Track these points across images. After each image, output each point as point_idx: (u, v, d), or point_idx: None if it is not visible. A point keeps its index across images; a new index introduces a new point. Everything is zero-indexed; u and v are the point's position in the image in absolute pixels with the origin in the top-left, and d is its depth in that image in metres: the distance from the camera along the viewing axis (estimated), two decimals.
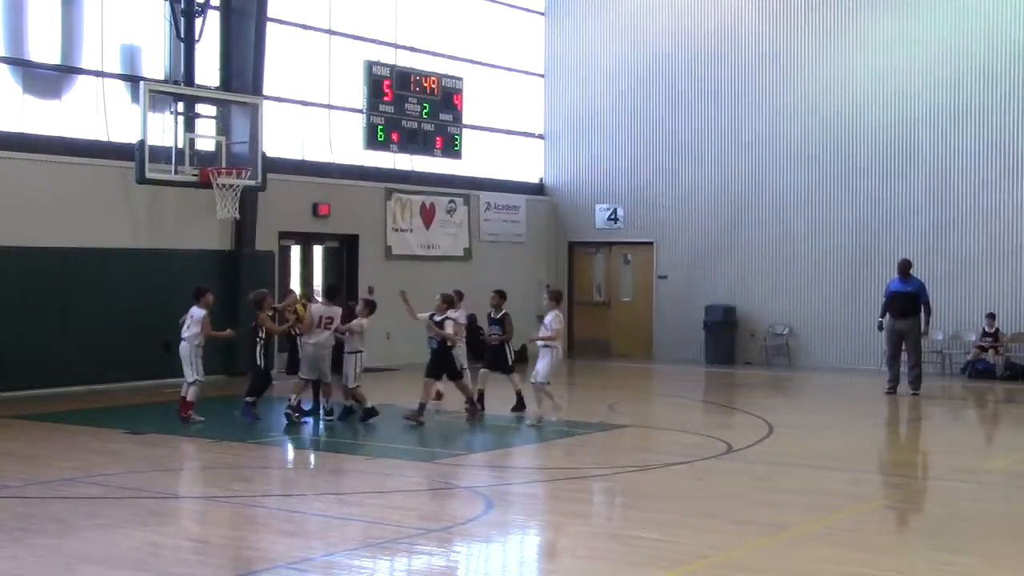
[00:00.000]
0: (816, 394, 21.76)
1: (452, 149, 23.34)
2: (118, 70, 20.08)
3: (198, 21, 19.99)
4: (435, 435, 15.29)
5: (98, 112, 19.72)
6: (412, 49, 24.96)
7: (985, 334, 22.91)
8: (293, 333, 16.41)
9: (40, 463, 12.62)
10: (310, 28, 23.19)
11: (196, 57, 20.03)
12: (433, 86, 22.85)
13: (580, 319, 27.75)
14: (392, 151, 22.82)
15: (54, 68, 19.36)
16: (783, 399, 21.11)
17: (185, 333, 15.58)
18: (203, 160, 19.47)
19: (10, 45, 18.89)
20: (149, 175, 18.54)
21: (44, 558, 8.67)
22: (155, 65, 20.57)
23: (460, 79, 23.63)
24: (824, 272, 24.91)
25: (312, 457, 14.30)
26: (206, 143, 19.92)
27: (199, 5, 20.03)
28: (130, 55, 20.36)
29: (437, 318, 16.02)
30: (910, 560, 9.10)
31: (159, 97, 19.19)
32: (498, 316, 16.62)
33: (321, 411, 16.15)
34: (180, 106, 19.48)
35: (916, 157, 24.00)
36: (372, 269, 23.56)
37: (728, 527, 9.96)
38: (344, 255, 23.76)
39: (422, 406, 15.71)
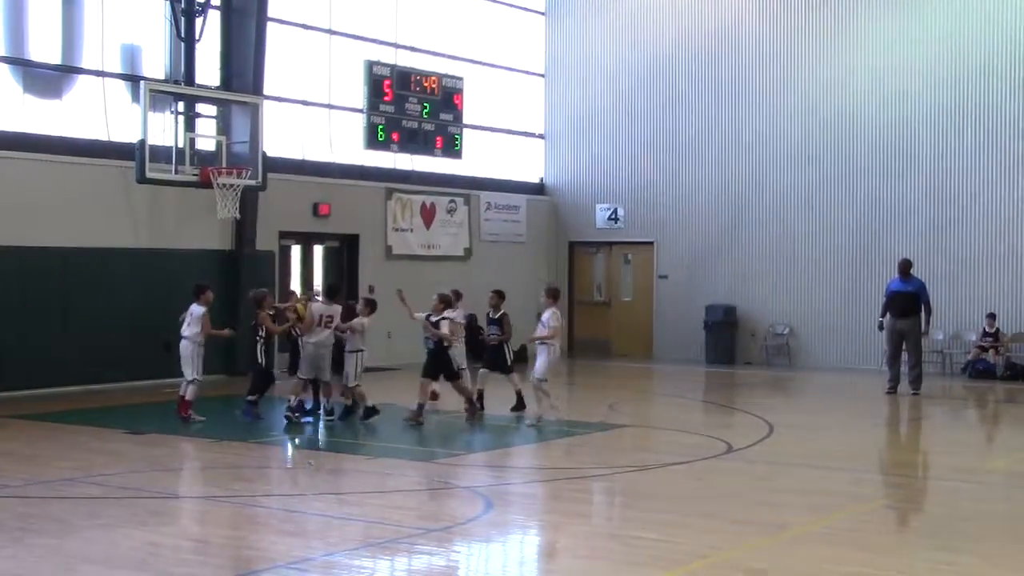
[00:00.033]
0: (816, 394, 21.75)
1: (452, 149, 23.33)
2: (119, 70, 20.08)
3: (198, 21, 20.00)
4: (435, 435, 15.29)
5: (98, 112, 19.72)
6: (413, 49, 24.96)
7: (985, 334, 22.90)
8: (294, 335, 16.39)
9: (40, 463, 12.61)
10: (311, 28, 23.19)
11: (196, 57, 20.04)
12: (433, 86, 22.84)
13: (580, 319, 27.75)
14: (392, 151, 22.81)
15: (55, 68, 19.37)
16: (783, 399, 21.10)
17: (186, 331, 15.57)
18: (203, 160, 19.47)
19: (11, 45, 18.90)
20: (149, 175, 18.54)
21: (44, 558, 8.67)
22: (155, 65, 20.57)
23: (460, 79, 23.62)
24: (824, 272, 24.91)
25: (312, 457, 14.28)
26: (206, 143, 19.92)
27: (199, 5, 20.03)
28: (130, 55, 20.36)
29: (434, 318, 16.01)
30: (910, 560, 9.09)
31: (159, 97, 19.20)
32: (496, 316, 16.62)
33: (321, 411, 16.15)
34: (180, 106, 19.49)
35: (916, 157, 24.00)
36: (372, 269, 23.56)
37: (728, 527, 9.95)
38: (344, 255, 23.76)
39: (420, 407, 15.71)
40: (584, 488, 12.05)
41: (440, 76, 23.22)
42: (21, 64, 18.97)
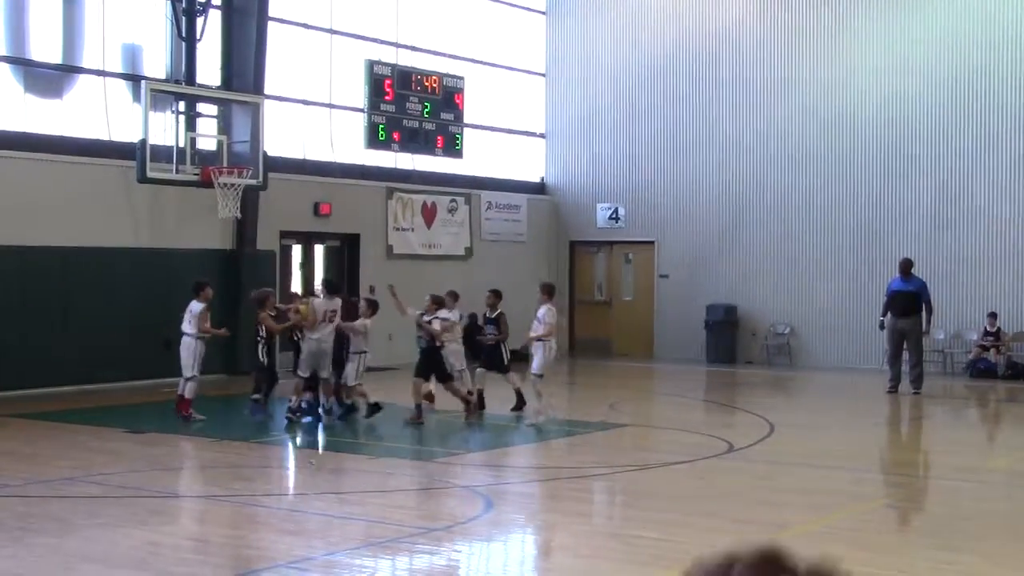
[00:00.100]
0: (817, 393, 21.74)
1: (453, 148, 23.33)
2: (119, 69, 20.07)
3: (199, 20, 19.99)
4: (436, 434, 15.30)
5: (99, 111, 19.71)
6: (413, 48, 24.94)
7: (986, 333, 22.88)
8: (296, 337, 16.36)
9: (40, 462, 12.61)
10: (311, 27, 23.18)
11: (197, 56, 20.03)
12: (434, 85, 22.84)
13: (581, 318, 27.74)
14: (393, 150, 22.81)
15: (55, 67, 19.36)
16: (784, 398, 21.10)
17: (186, 328, 15.56)
18: (204, 159, 19.46)
19: (12, 44, 18.89)
20: (150, 174, 18.54)
21: (44, 557, 8.67)
22: (156, 64, 20.56)
23: (461, 78, 23.61)
24: (825, 271, 24.89)
25: (313, 456, 14.28)
26: (207, 142, 19.91)
27: (200, 4, 20.02)
28: (131, 54, 20.36)
29: (427, 318, 16.00)
30: (911, 559, 9.09)
31: (160, 96, 19.20)
32: (494, 315, 16.61)
33: (321, 410, 16.13)
34: (181, 105, 19.48)
35: (916, 157, 23.98)
36: (373, 268, 23.52)
37: (729, 526, 9.94)
38: (345, 254, 23.74)
39: (418, 407, 15.69)
40: (585, 487, 12.04)
41: (441, 76, 23.21)
42: (22, 64, 18.97)
